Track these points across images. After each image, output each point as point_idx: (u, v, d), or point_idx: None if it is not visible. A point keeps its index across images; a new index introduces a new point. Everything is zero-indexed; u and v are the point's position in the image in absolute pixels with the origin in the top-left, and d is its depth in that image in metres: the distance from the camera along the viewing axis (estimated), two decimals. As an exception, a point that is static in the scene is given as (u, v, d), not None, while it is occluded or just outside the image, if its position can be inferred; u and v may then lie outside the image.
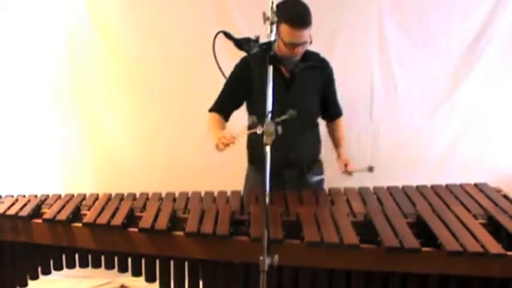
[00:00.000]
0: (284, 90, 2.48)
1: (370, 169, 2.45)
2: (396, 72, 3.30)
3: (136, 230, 2.18)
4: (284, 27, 2.33)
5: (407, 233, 2.03)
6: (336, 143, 2.73)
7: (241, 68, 2.55)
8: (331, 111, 2.72)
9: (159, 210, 2.29)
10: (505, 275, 1.95)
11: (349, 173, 2.55)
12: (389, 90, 3.33)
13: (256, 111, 2.49)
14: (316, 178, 2.65)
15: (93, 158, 3.49)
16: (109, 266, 2.29)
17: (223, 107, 2.62)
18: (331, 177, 2.73)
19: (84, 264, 2.33)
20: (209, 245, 2.11)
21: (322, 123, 2.75)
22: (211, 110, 2.62)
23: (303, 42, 2.38)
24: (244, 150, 2.69)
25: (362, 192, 2.43)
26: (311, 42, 2.42)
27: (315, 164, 2.67)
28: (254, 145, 2.60)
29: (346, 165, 2.57)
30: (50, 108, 3.43)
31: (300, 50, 2.42)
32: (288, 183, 2.54)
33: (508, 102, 3.31)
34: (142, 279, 2.26)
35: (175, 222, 2.23)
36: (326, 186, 2.69)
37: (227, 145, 2.27)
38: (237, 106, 2.63)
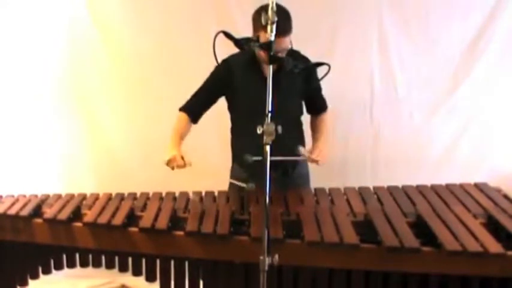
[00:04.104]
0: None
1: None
2: (396, 72, 3.30)
3: (136, 229, 2.19)
4: (264, 36, 2.20)
5: (407, 233, 2.03)
6: (316, 136, 2.62)
7: (223, 70, 2.51)
8: (316, 105, 2.67)
9: (159, 209, 2.30)
10: (504, 275, 1.95)
11: (311, 161, 2.42)
12: (389, 90, 3.32)
13: (239, 111, 2.54)
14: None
15: (93, 158, 3.49)
16: (109, 266, 2.29)
17: (196, 108, 2.61)
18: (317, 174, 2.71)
19: (84, 264, 2.33)
20: (209, 244, 2.12)
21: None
22: (182, 109, 2.62)
23: (283, 49, 2.34)
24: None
25: (362, 192, 2.44)
26: (291, 46, 2.39)
27: (299, 164, 2.62)
28: (237, 152, 2.62)
29: (310, 152, 2.45)
30: (50, 108, 3.43)
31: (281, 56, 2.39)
32: (273, 183, 2.52)
33: (508, 102, 3.30)
34: (142, 278, 2.26)
35: (176, 221, 2.23)
36: (312, 182, 2.67)
37: (178, 167, 2.38)
38: (209, 107, 2.62)
